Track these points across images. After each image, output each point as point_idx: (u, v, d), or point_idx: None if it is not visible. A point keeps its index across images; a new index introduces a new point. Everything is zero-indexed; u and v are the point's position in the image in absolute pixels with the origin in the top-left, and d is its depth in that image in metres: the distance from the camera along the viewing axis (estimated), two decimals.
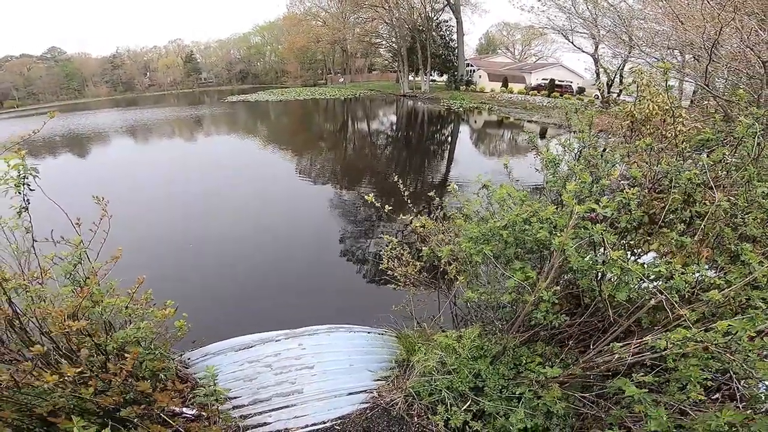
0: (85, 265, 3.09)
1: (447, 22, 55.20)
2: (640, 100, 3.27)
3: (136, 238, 8.49)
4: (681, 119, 3.07)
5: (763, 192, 2.50)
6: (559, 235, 2.12)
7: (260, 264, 7.69)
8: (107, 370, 2.58)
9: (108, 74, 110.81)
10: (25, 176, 2.90)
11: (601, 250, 2.19)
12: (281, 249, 8.43)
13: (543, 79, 46.98)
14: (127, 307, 2.95)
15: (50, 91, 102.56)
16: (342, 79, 76.27)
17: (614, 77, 29.72)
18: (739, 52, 6.98)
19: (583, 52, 33.19)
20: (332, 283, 7.06)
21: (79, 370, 2.24)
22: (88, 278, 2.93)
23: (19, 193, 2.89)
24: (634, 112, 3.20)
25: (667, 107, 3.07)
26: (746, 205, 2.60)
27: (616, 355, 2.02)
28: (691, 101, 15.22)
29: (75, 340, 2.66)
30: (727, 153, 2.92)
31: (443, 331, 3.22)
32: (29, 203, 2.98)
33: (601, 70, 32.11)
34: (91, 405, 2.49)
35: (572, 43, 32.80)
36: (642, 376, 1.92)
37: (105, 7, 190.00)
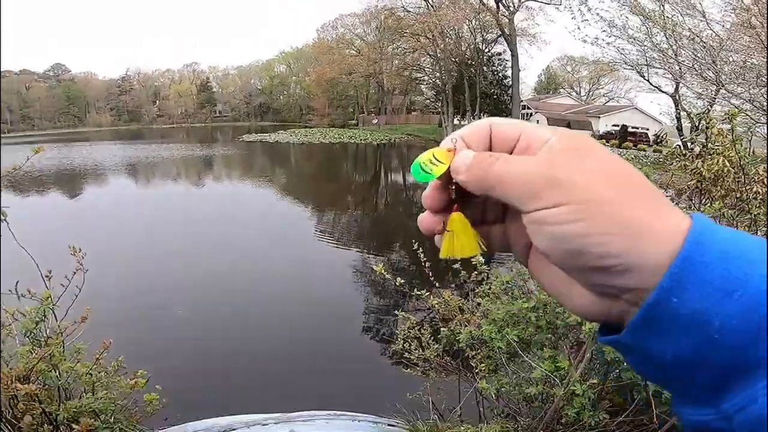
0: (51, 323, 3.21)
1: (500, 55, 56.56)
2: (710, 155, 3.24)
3: (116, 296, 8.69)
4: (760, 177, 3.02)
5: None
6: None
7: (254, 333, 7.74)
8: None
9: (114, 100, 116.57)
10: None
11: None
12: (280, 318, 8.49)
13: (614, 125, 47.06)
14: (89, 374, 3.02)
15: (48, 116, 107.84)
16: (376, 120, 77.33)
17: (699, 123, 29.44)
18: None
19: (662, 92, 33.14)
20: (336, 361, 7.00)
21: None
22: (50, 338, 3.02)
23: None
24: (702, 169, 3.16)
25: (740, 162, 3.04)
26: None
27: None
28: None
29: (21, 406, 2.72)
30: None
31: (462, 425, 3.14)
32: None
33: (682, 113, 31.80)
34: None
35: (648, 81, 32.75)
36: None
37: (117, 23, 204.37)
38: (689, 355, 0.33)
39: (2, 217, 3.04)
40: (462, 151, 0.42)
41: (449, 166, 0.42)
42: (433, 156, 0.44)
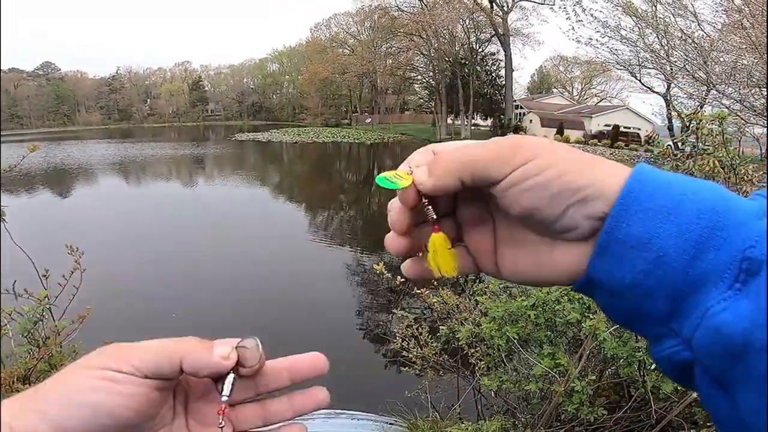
0: (48, 323, 3.21)
1: (494, 55, 56.47)
2: (701, 155, 3.29)
3: (112, 296, 8.65)
4: (749, 178, 3.07)
5: None
6: (591, 317, 2.14)
7: (248, 333, 7.72)
8: None
9: (104, 98, 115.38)
10: None
11: None
12: (278, 317, 8.48)
13: (606, 125, 47.22)
14: None
15: (37, 114, 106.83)
16: (369, 120, 77.15)
17: (690, 123, 29.48)
18: None
19: (653, 92, 33.27)
20: (335, 360, 6.99)
21: None
22: (49, 338, 3.03)
23: None
24: (693, 170, 3.21)
25: (730, 163, 3.09)
26: None
27: None
28: None
29: None
30: None
31: (462, 422, 3.18)
32: None
33: (674, 114, 31.92)
34: None
35: (640, 81, 32.83)
36: None
37: (110, 21, 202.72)
38: (643, 277, 0.36)
39: (2, 217, 3.05)
40: (415, 168, 0.46)
41: (413, 183, 0.45)
42: (396, 174, 0.47)
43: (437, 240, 0.47)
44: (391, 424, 3.99)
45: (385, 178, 0.46)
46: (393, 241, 0.48)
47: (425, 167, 0.45)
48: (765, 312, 0.31)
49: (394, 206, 0.48)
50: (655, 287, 0.36)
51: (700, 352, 0.35)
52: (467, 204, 0.48)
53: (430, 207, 0.46)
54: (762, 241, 0.33)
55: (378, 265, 3.70)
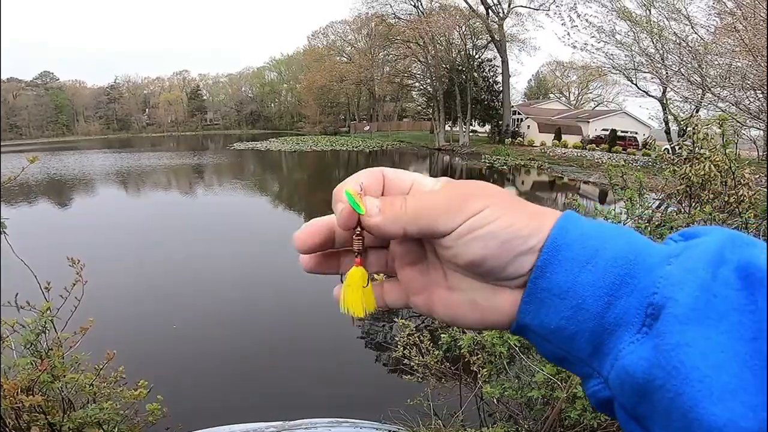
0: (50, 335, 3.21)
1: (491, 61, 56.51)
2: (697, 159, 3.31)
3: (112, 306, 8.64)
4: (745, 181, 3.09)
5: None
6: None
7: (252, 342, 7.72)
8: None
9: (102, 108, 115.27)
10: None
11: None
12: (278, 327, 8.46)
13: (603, 129, 47.24)
14: (92, 385, 3.03)
15: (35, 124, 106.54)
16: (368, 127, 76.98)
17: (686, 127, 29.53)
18: None
19: (650, 96, 33.38)
20: (336, 368, 7.02)
21: None
22: (51, 350, 3.03)
23: None
24: (690, 174, 3.23)
25: (726, 167, 3.11)
26: None
27: None
28: None
29: (26, 418, 2.73)
30: None
31: (465, 429, 3.18)
32: None
33: (670, 117, 32.03)
34: None
35: (636, 85, 32.93)
36: None
37: (107, 32, 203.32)
38: (566, 323, 0.39)
39: (2, 229, 3.06)
40: (366, 197, 0.44)
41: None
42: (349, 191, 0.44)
43: (356, 274, 0.46)
44: (393, 431, 3.98)
45: (352, 196, 0.44)
46: (308, 262, 0.50)
47: (379, 203, 0.44)
48: (662, 353, 0.33)
49: (309, 234, 0.48)
50: (577, 332, 0.39)
51: (615, 391, 0.38)
52: (402, 241, 0.48)
53: (361, 239, 0.45)
54: (663, 286, 0.36)
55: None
